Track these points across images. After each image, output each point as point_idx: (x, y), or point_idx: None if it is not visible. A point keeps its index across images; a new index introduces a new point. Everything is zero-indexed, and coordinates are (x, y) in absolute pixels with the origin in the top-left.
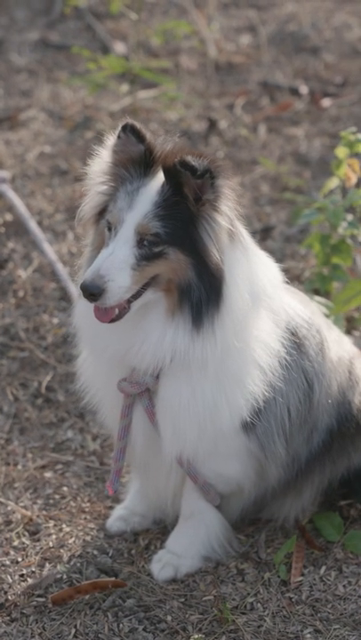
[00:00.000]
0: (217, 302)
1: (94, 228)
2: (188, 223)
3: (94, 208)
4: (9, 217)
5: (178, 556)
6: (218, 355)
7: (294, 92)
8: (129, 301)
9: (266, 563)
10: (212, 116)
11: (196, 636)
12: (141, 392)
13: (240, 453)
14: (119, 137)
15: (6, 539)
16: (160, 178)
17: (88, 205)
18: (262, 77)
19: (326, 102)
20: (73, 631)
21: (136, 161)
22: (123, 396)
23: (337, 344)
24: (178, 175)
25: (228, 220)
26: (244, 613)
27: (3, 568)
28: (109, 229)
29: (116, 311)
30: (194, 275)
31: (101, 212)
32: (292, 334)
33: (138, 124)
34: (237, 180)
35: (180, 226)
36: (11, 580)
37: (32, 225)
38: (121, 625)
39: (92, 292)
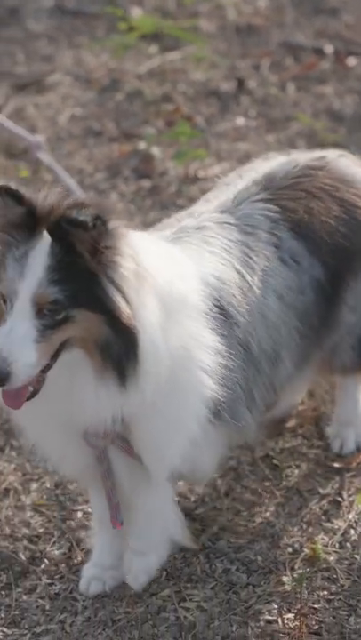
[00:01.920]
0: (136, 352)
1: None
2: (90, 279)
3: None
4: (49, 178)
5: (142, 554)
6: (162, 392)
7: (318, 51)
8: (43, 371)
9: (350, 503)
10: (241, 76)
11: (301, 572)
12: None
13: (212, 443)
14: None
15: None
16: (46, 238)
17: None
18: (283, 39)
19: (352, 61)
20: (165, 574)
21: (18, 224)
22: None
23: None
24: (66, 233)
25: (132, 260)
26: (335, 552)
27: (85, 516)
28: (4, 301)
29: (30, 389)
30: (109, 331)
31: None
32: (217, 306)
33: (13, 186)
34: (273, 138)
35: (82, 285)
36: None
37: (72, 183)
38: (214, 566)
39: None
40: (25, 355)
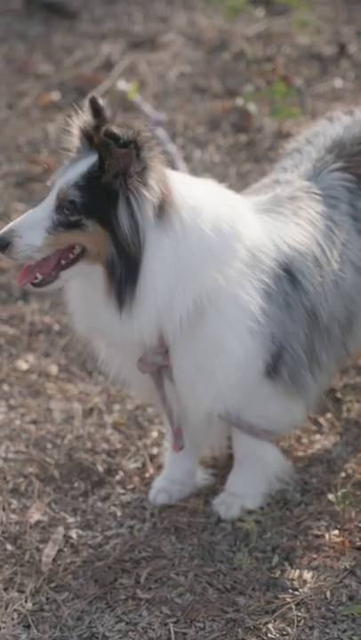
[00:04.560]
0: (134, 282)
1: None
2: (111, 197)
3: None
4: None
5: (240, 496)
6: (182, 329)
7: None
8: (59, 270)
9: None
10: (343, 41)
11: (344, 490)
12: (162, 366)
13: (276, 397)
14: (84, 109)
15: None
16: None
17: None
18: None
19: None
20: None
21: (87, 134)
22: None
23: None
24: (103, 147)
25: (155, 194)
26: None
27: (160, 435)
28: None
29: (39, 276)
30: (114, 250)
31: None
32: (285, 271)
33: (101, 100)
34: None
35: (101, 199)
36: None
37: (181, 165)
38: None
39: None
40: (31, 235)
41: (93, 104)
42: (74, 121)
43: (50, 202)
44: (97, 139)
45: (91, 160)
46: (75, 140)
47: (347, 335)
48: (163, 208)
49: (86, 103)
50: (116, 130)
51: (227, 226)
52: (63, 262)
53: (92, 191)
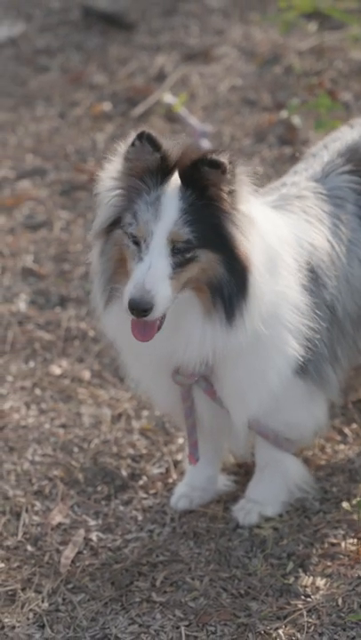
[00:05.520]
0: (245, 292)
1: (104, 239)
2: (215, 221)
3: (107, 220)
4: None
5: (259, 503)
6: (254, 333)
7: None
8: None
9: None
10: None
11: (360, 499)
12: (202, 376)
13: (302, 398)
14: (133, 145)
15: None
16: (175, 184)
17: (100, 219)
18: None
19: None
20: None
21: (152, 170)
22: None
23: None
24: (199, 176)
25: (247, 205)
26: None
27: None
28: (136, 243)
29: (158, 323)
30: (224, 270)
31: (113, 224)
32: (310, 270)
33: (154, 133)
34: None
35: (208, 227)
36: None
37: None
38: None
39: (145, 307)
40: (163, 288)
41: (150, 139)
42: (125, 158)
43: (161, 248)
44: (186, 170)
45: (174, 194)
46: (132, 181)
47: (357, 331)
48: (250, 220)
49: (138, 140)
50: (218, 158)
51: (276, 229)
52: None
53: (200, 222)
